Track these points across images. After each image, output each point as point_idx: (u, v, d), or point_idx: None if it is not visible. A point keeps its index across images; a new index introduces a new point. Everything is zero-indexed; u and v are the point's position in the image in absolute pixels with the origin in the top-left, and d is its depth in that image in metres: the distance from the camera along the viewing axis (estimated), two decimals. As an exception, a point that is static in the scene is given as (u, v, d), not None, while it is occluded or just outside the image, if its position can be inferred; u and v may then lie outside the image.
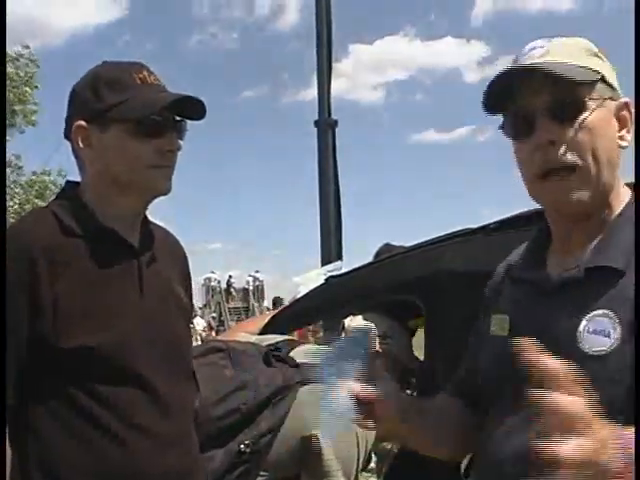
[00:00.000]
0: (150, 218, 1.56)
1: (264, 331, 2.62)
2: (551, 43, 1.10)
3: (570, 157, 1.05)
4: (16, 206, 15.28)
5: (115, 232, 1.45)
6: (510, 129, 1.12)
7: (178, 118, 1.47)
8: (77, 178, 1.52)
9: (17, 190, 16.01)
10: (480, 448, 1.18)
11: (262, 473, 1.94)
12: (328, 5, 5.05)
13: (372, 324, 2.30)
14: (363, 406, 1.17)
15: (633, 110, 1.08)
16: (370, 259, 2.67)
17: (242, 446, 1.87)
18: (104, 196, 1.46)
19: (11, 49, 15.06)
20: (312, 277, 2.74)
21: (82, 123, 1.44)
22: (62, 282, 1.35)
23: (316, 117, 5.00)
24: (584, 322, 1.02)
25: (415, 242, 2.50)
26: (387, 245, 2.80)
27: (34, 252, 1.34)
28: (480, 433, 1.18)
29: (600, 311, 1.02)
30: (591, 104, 1.06)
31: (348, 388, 1.16)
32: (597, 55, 1.10)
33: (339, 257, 4.62)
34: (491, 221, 2.03)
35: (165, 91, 1.48)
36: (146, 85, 1.45)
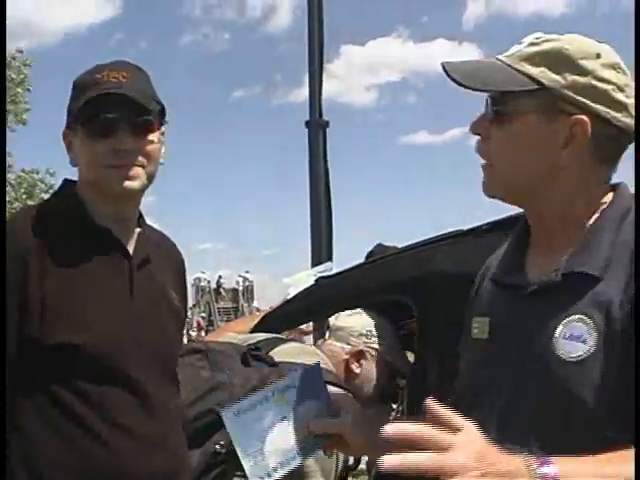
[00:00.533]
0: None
1: (257, 328, 2.62)
2: (523, 46, 1.11)
3: (485, 155, 1.14)
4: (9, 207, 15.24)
5: (109, 232, 1.45)
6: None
7: (135, 116, 1.44)
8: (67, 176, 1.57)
9: (7, 189, 15.95)
10: None
11: (238, 473, 1.94)
12: (320, 6, 5.05)
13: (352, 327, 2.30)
14: (330, 438, 1.23)
15: (590, 129, 1.06)
16: (361, 260, 2.66)
17: (217, 446, 1.85)
18: (91, 199, 1.48)
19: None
20: (302, 278, 2.73)
21: (66, 130, 1.51)
22: (51, 280, 1.36)
23: (307, 118, 4.99)
24: (560, 327, 1.04)
25: (407, 243, 2.50)
26: (380, 246, 2.80)
27: (25, 250, 1.35)
28: None
29: (576, 317, 1.03)
30: (514, 111, 1.09)
31: (309, 426, 1.22)
32: (576, 66, 1.07)
33: (329, 258, 4.61)
34: (483, 222, 2.03)
35: (114, 88, 1.44)
36: (102, 83, 1.44)
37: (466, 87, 1.10)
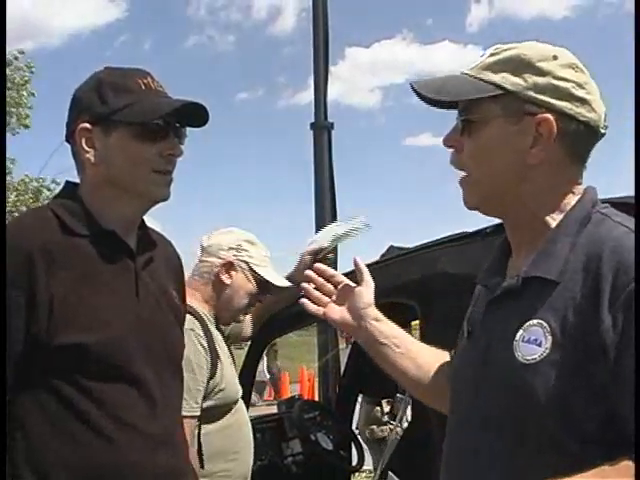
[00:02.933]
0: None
1: (262, 331, 2.63)
2: (484, 57, 1.16)
3: (460, 166, 1.17)
4: (11, 207, 15.22)
5: (114, 233, 1.46)
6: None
7: (179, 125, 1.49)
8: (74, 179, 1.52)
9: (9, 194, 15.92)
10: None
11: None
12: (325, 8, 5.06)
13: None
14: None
15: (555, 126, 1.09)
16: (365, 261, 2.66)
17: None
18: (104, 198, 1.47)
19: (7, 52, 15.05)
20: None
21: (86, 125, 1.45)
22: (59, 281, 1.36)
23: (312, 120, 5.00)
24: (521, 332, 1.07)
25: (412, 245, 2.51)
26: (393, 248, 2.80)
27: (32, 250, 1.35)
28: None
29: (535, 321, 1.06)
30: (482, 118, 1.13)
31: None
32: (535, 68, 1.11)
33: (334, 260, 4.62)
34: (488, 224, 2.04)
35: (168, 97, 1.50)
36: (150, 90, 1.47)
37: (434, 101, 1.16)
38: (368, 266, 2.51)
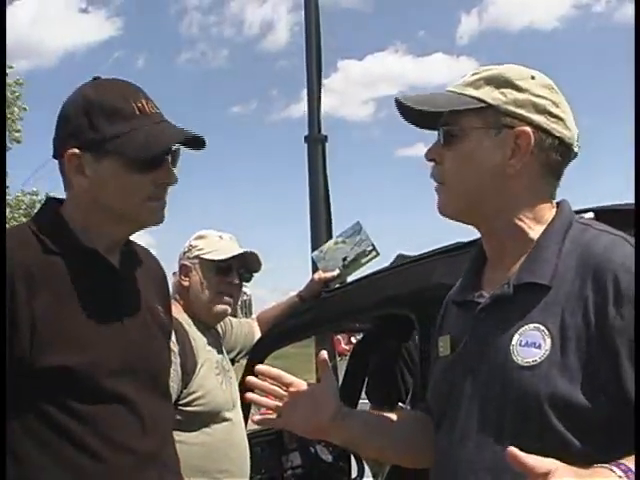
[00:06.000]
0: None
1: (259, 343, 2.63)
2: (467, 77, 1.22)
3: (439, 177, 1.22)
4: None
5: (96, 252, 1.42)
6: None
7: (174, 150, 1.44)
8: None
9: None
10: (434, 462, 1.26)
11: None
12: (317, 22, 5.10)
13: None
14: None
15: (533, 139, 1.15)
16: (361, 273, 2.68)
17: None
18: (91, 220, 1.43)
19: None
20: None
21: (75, 151, 1.39)
22: (40, 300, 1.32)
23: (305, 132, 5.03)
24: (517, 336, 1.11)
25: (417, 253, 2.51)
26: (401, 256, 2.81)
27: (12, 270, 1.31)
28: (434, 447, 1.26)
29: (532, 325, 1.10)
30: (462, 131, 1.18)
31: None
32: (514, 85, 1.17)
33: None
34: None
35: (164, 120, 1.44)
36: (145, 116, 1.41)
37: (417, 113, 1.21)
38: (365, 278, 2.54)
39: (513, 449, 0.89)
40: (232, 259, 2.38)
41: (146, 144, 1.38)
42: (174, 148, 1.45)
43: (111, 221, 1.43)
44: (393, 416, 1.40)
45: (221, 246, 2.40)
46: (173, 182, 1.45)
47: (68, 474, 1.34)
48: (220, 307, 2.39)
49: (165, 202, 1.46)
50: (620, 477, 0.89)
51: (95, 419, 1.36)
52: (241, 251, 2.40)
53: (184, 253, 2.41)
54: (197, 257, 2.38)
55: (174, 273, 2.41)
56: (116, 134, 1.38)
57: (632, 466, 0.91)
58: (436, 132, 1.23)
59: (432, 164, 1.23)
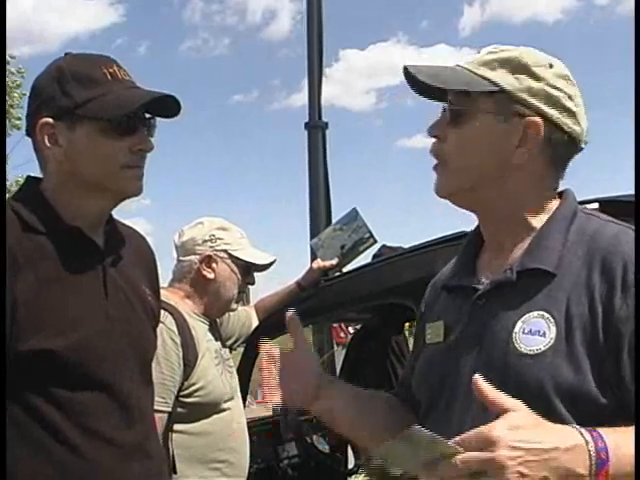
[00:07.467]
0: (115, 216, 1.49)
1: (257, 332, 2.61)
2: (482, 54, 1.17)
3: (439, 155, 1.17)
4: None
5: (80, 230, 1.38)
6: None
7: (149, 116, 1.41)
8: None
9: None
10: None
11: None
12: (320, 11, 5.06)
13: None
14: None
15: (542, 131, 1.11)
16: (361, 262, 2.66)
17: None
18: (70, 195, 1.39)
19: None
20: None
21: (48, 120, 1.36)
22: (22, 282, 1.28)
23: (306, 120, 4.99)
24: (520, 324, 1.07)
25: (406, 246, 2.50)
26: (385, 247, 2.79)
27: None
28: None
29: (535, 312, 1.07)
30: (472, 111, 1.14)
31: None
32: (530, 72, 1.13)
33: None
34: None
35: (136, 87, 1.41)
36: (117, 81, 1.38)
37: (426, 87, 1.16)
38: (365, 267, 2.52)
39: (479, 379, 0.89)
40: (257, 265, 2.33)
41: (118, 104, 1.35)
42: (148, 117, 1.41)
43: (88, 193, 1.39)
44: (376, 394, 1.40)
45: (245, 244, 2.32)
46: (149, 149, 1.40)
47: (46, 464, 1.30)
48: (235, 305, 2.34)
49: (142, 172, 1.41)
50: (587, 442, 0.87)
51: (78, 408, 1.32)
52: (272, 259, 2.35)
53: (204, 241, 2.27)
54: (225, 251, 2.27)
55: (179, 260, 2.30)
56: (88, 98, 1.35)
57: (607, 438, 0.88)
58: (439, 103, 1.18)
59: (433, 140, 1.18)
